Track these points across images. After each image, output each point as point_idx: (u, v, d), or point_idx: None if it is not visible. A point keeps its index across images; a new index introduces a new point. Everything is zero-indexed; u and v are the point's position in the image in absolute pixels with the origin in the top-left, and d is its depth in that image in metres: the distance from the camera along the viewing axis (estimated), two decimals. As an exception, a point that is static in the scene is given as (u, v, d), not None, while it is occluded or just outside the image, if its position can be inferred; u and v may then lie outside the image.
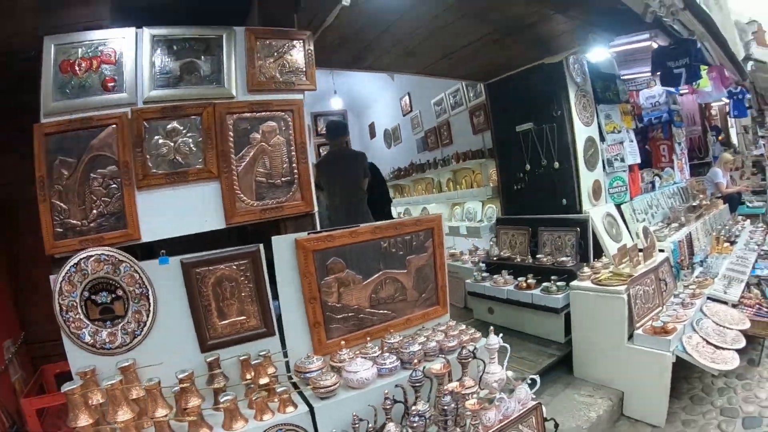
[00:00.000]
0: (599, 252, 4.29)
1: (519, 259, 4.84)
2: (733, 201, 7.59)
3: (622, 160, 4.92)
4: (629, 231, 4.60)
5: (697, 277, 4.41)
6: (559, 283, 4.10)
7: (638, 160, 5.27)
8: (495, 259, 5.07)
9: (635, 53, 5.80)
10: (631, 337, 3.42)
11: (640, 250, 3.96)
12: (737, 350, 3.31)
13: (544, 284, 4.20)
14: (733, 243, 5.48)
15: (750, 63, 13.55)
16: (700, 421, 3.26)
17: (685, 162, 7.16)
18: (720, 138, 10.43)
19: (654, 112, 6.86)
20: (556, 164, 4.56)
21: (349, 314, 2.68)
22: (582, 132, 4.51)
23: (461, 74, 5.25)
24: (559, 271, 4.26)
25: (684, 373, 3.62)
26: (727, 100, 9.98)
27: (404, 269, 2.84)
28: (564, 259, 4.36)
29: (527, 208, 5.04)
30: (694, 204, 5.96)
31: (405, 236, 2.82)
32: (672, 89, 6.79)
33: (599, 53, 4.51)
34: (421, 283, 2.91)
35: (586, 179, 4.49)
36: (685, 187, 6.61)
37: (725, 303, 3.98)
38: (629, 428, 3.34)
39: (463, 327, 2.88)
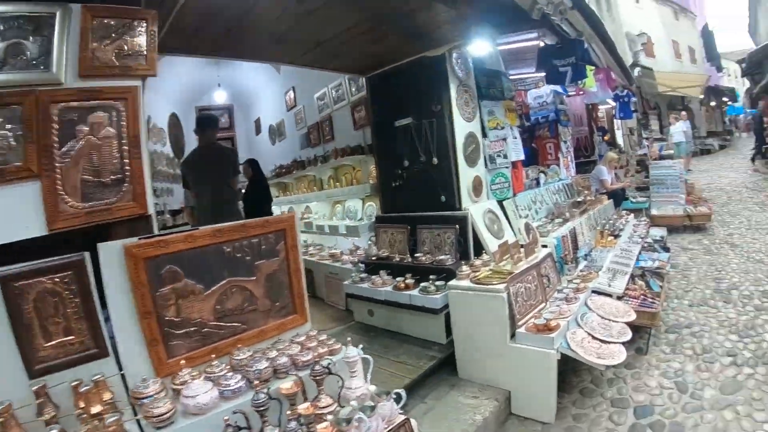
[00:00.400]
0: (480, 250, 4.21)
1: (398, 259, 4.65)
2: (618, 197, 7.90)
3: (505, 156, 4.89)
4: (512, 227, 4.57)
5: (581, 271, 4.42)
6: (437, 283, 3.95)
7: (521, 157, 5.28)
8: (374, 258, 4.86)
9: (523, 53, 5.88)
10: (513, 336, 3.31)
11: (522, 247, 3.90)
12: (624, 343, 3.28)
13: (423, 284, 4.04)
14: (617, 236, 5.63)
15: (637, 69, 14.47)
16: (591, 414, 3.21)
17: (571, 160, 7.36)
18: (606, 138, 10.98)
19: (541, 111, 7.00)
20: (435, 160, 4.42)
21: (192, 329, 2.35)
22: (463, 128, 4.41)
23: (340, 66, 5.01)
24: (437, 270, 4.11)
25: (573, 365, 3.55)
26: (614, 103, 10.52)
27: (253, 276, 2.55)
28: (443, 257, 4.22)
29: (406, 205, 4.89)
30: (578, 200, 6.09)
31: (252, 239, 2.53)
32: (559, 89, 6.98)
33: (483, 48, 4.45)
34: (274, 291, 2.63)
35: (466, 175, 4.40)
36: (570, 183, 6.77)
37: (610, 296, 3.98)
38: (518, 427, 3.23)
39: (324, 338, 2.62)
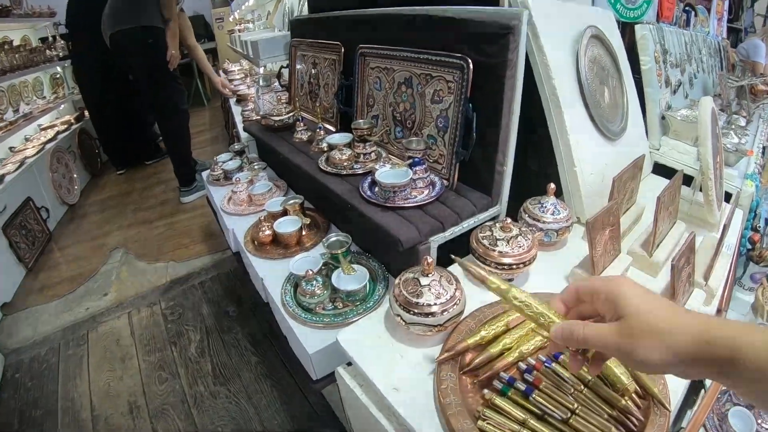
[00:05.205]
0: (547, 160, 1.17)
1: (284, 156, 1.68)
2: (766, 96, 4.66)
3: None
4: (645, 100, 1.53)
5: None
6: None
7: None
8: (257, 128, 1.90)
9: None
10: None
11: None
12: None
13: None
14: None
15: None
16: None
17: (726, 11, 3.99)
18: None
19: None
20: None
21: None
22: None
23: None
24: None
25: None
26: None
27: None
28: (399, 176, 1.19)
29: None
30: (743, 82, 2.92)
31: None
32: None
33: None
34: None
35: None
36: (724, 47, 3.51)
37: None
38: None
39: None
